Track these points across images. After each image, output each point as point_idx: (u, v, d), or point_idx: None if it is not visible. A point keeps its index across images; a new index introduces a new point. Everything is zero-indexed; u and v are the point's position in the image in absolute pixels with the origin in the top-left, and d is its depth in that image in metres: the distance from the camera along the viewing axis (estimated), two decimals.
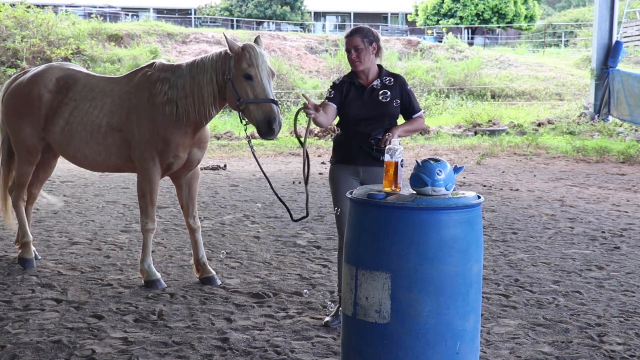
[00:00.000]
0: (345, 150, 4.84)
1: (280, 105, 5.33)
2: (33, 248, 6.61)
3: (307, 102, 4.62)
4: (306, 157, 4.77)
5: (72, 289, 5.76)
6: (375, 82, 4.82)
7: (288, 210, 5.14)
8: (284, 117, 22.94)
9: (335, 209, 4.86)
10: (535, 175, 13.29)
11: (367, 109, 4.78)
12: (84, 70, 6.38)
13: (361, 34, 4.79)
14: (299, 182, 12.05)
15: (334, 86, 4.90)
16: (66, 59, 23.72)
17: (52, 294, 5.62)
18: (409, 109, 4.87)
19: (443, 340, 3.53)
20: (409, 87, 4.90)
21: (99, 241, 7.48)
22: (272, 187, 5.29)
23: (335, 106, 4.84)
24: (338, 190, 4.86)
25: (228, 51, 5.35)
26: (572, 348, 4.56)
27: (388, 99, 4.78)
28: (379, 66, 4.92)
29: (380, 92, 4.80)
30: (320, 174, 13.08)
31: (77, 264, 6.52)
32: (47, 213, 8.92)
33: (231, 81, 5.29)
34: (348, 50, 4.82)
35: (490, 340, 4.69)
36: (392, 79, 4.86)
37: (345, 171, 4.84)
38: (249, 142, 5.52)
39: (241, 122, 5.33)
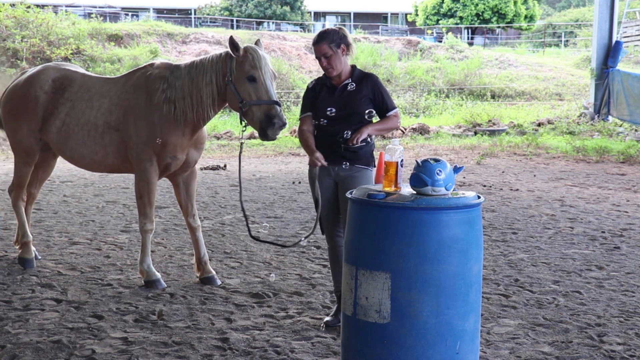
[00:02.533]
0: (319, 150, 4.85)
1: (281, 106, 5.41)
2: (33, 248, 6.61)
3: (316, 157, 4.76)
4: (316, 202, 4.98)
5: (72, 289, 5.76)
6: (346, 81, 4.82)
7: (247, 225, 5.39)
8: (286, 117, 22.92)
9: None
10: (535, 175, 13.29)
11: (336, 108, 4.78)
12: (80, 70, 6.38)
13: (327, 40, 4.76)
14: (299, 182, 12.05)
15: (307, 92, 4.94)
16: (66, 59, 23.70)
17: (52, 294, 5.61)
18: (382, 107, 4.82)
19: (443, 340, 3.54)
20: (381, 85, 4.86)
21: (99, 241, 7.48)
22: (241, 200, 5.39)
23: (311, 114, 4.90)
24: (314, 191, 4.91)
25: (230, 52, 5.33)
26: (572, 348, 4.56)
27: (359, 97, 4.77)
28: (353, 66, 4.90)
29: (352, 90, 4.79)
30: None
31: (77, 264, 6.51)
32: (47, 213, 8.92)
33: (233, 83, 5.29)
34: (318, 58, 4.82)
35: (490, 340, 4.69)
36: (364, 78, 4.84)
37: (320, 171, 4.85)
38: (241, 145, 5.52)
39: (240, 123, 5.33)
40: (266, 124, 5.14)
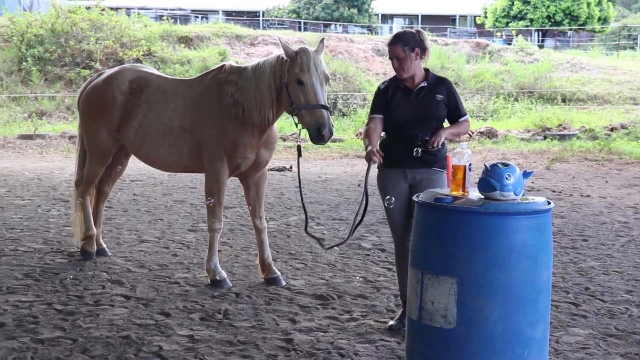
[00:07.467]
0: (393, 154, 4.79)
1: (332, 112, 5.42)
2: (104, 245, 6.78)
3: (373, 151, 4.68)
4: (365, 199, 4.92)
5: (141, 286, 5.88)
6: (422, 84, 4.78)
7: (318, 241, 5.67)
8: (349, 118, 22.93)
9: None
10: (607, 182, 12.94)
11: (414, 112, 4.74)
12: (155, 72, 6.51)
13: (402, 42, 4.74)
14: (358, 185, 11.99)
15: (379, 93, 4.90)
16: (138, 60, 24.25)
17: (121, 290, 5.74)
18: (455, 112, 4.80)
19: (511, 347, 3.47)
20: (455, 91, 4.85)
21: (166, 239, 7.62)
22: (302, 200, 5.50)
23: (381, 117, 4.85)
24: (387, 195, 4.84)
25: (283, 56, 5.38)
26: None
27: (436, 101, 4.73)
28: (426, 69, 4.86)
29: (428, 93, 4.75)
30: None
31: (145, 262, 6.65)
32: (117, 211, 9.13)
33: (286, 86, 5.33)
34: (391, 59, 4.80)
35: (558, 349, 4.58)
36: (439, 81, 4.81)
37: (394, 175, 4.81)
38: (299, 147, 5.57)
39: (296, 126, 5.39)
40: (315, 135, 5.16)
